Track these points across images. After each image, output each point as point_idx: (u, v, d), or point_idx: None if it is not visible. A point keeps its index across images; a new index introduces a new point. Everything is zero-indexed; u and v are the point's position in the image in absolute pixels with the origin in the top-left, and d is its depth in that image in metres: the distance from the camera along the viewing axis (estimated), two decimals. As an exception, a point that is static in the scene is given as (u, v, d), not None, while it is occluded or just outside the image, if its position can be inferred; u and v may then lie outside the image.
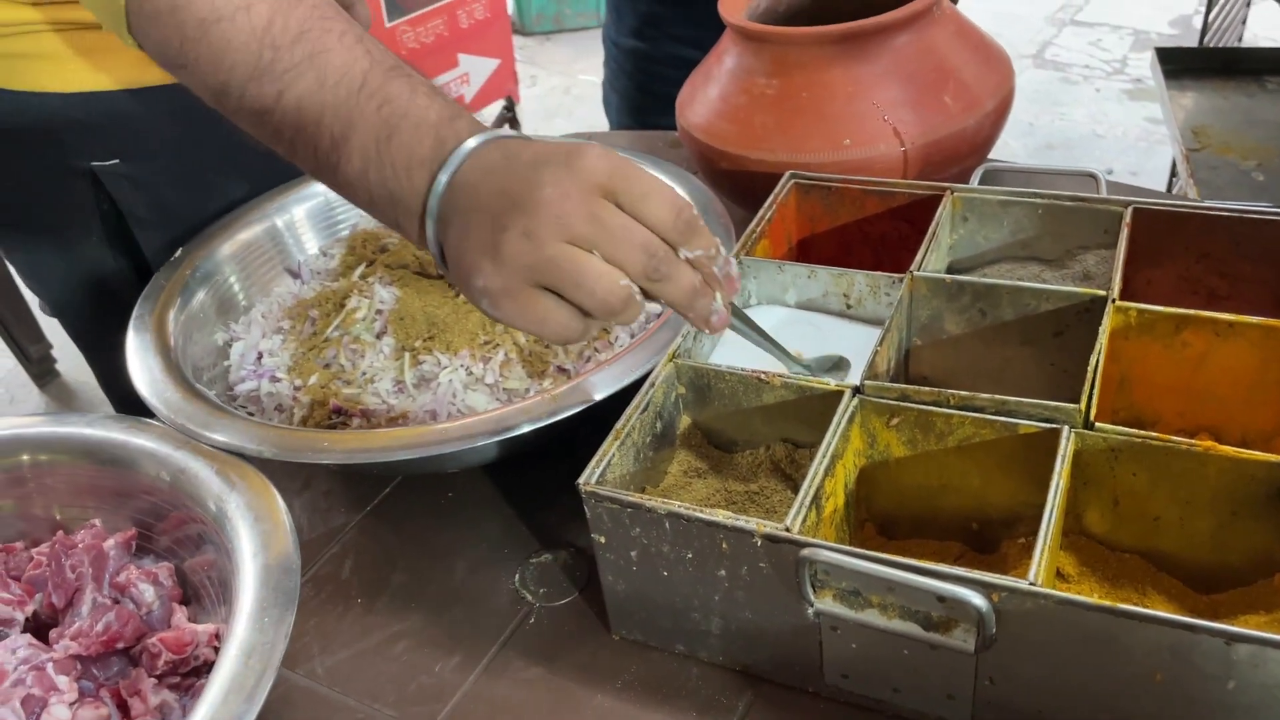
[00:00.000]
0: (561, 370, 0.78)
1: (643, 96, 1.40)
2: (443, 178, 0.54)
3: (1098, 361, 0.61)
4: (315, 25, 0.57)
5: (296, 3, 0.58)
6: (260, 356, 0.81)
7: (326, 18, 0.58)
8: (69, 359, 2.39)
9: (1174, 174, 2.17)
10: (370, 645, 0.66)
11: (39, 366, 2.36)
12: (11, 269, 2.19)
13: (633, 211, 0.51)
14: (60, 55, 0.82)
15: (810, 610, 0.55)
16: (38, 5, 0.80)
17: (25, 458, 0.67)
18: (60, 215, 0.91)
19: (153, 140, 0.88)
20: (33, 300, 2.25)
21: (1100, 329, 0.63)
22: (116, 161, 0.87)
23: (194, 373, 0.77)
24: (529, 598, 0.68)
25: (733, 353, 0.72)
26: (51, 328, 2.33)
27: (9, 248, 0.96)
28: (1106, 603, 0.48)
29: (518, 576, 0.70)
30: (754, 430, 0.67)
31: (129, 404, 0.99)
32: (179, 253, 0.87)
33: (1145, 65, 3.45)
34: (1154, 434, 0.56)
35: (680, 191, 0.55)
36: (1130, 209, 0.73)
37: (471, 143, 0.54)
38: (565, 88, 3.64)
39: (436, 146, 0.54)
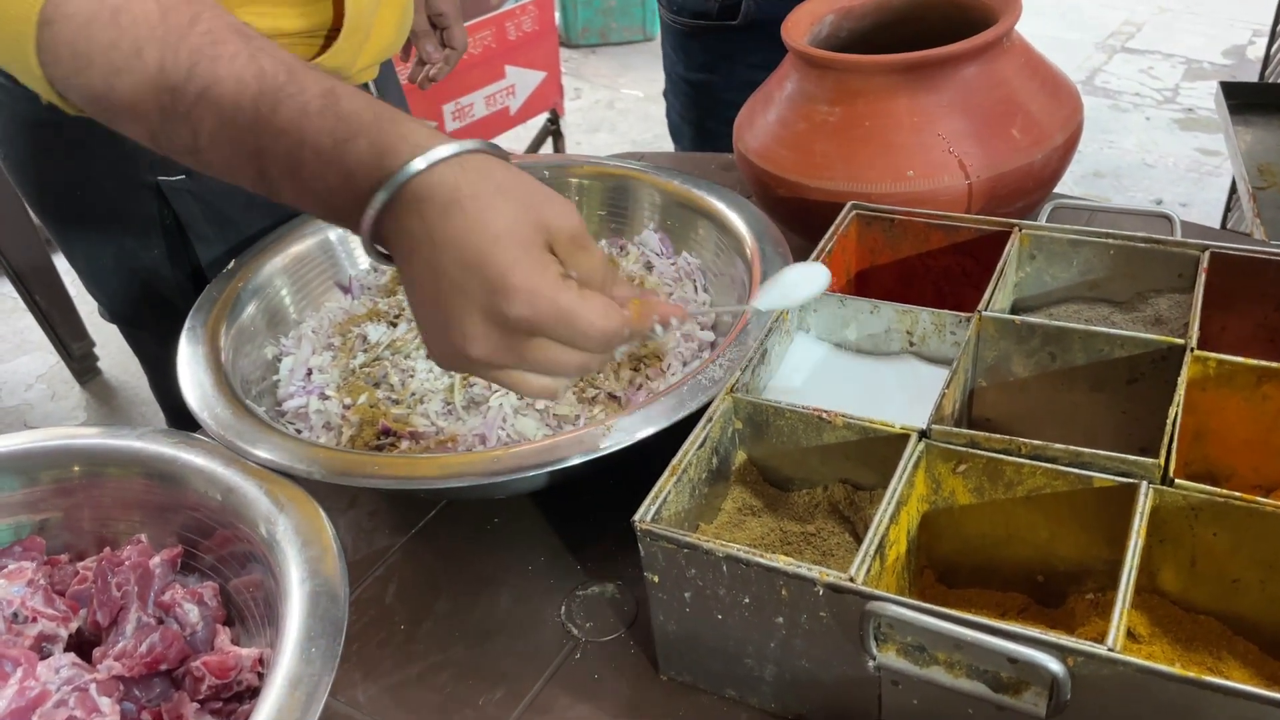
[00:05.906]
0: (612, 397, 0.77)
1: (719, 124, 1.37)
2: (365, 235, 0.54)
3: (1176, 414, 0.58)
4: (204, 54, 0.55)
5: (186, 32, 0.55)
6: (310, 373, 0.81)
7: (216, 41, 0.55)
8: (110, 356, 2.41)
9: (1228, 209, 2.12)
10: (413, 674, 0.65)
11: (81, 364, 2.38)
12: (60, 270, 2.23)
13: (569, 344, 0.54)
14: None
15: (871, 663, 0.53)
16: None
17: (77, 469, 0.66)
18: (125, 225, 0.92)
19: None
20: (83, 303, 2.27)
21: (1178, 379, 0.61)
22: (183, 177, 0.88)
23: (243, 386, 0.76)
24: (575, 632, 0.67)
25: (790, 384, 0.71)
26: (94, 326, 2.35)
27: (73, 252, 0.97)
28: (1191, 674, 0.45)
29: (564, 609, 0.68)
30: (812, 469, 0.65)
31: (182, 414, 0.99)
32: (232, 264, 0.87)
33: (1197, 95, 3.40)
34: (1238, 494, 0.54)
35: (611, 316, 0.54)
36: (1207, 253, 0.71)
37: (371, 213, 0.52)
38: (609, 101, 3.64)
39: (344, 181, 0.53)
